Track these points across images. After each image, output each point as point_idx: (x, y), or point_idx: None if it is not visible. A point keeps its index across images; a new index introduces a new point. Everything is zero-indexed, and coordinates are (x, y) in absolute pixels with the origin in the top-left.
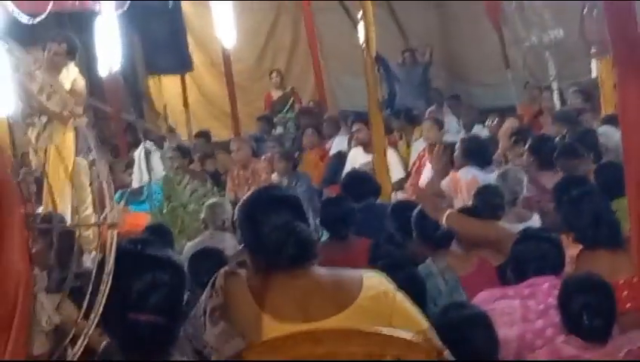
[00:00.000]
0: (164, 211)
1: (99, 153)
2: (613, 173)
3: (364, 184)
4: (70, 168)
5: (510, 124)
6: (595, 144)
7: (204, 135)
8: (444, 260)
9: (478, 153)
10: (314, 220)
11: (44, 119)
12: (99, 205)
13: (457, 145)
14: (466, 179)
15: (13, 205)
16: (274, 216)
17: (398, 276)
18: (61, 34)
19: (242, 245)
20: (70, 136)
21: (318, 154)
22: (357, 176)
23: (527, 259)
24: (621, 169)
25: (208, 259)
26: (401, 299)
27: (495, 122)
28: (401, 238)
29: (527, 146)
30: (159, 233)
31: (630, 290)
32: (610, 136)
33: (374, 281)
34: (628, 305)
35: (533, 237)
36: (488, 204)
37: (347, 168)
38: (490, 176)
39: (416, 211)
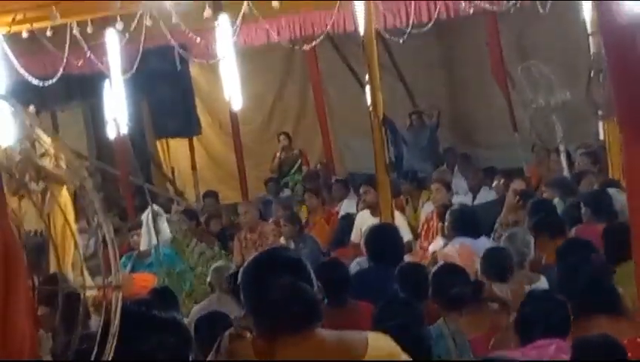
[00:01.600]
0: (172, 274)
1: (103, 216)
2: (622, 236)
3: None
4: (71, 228)
5: (516, 186)
6: (607, 205)
7: (212, 195)
8: (456, 321)
9: (468, 224)
10: (318, 282)
11: (42, 184)
12: (104, 268)
13: (447, 217)
14: (456, 249)
15: (19, 268)
16: (277, 277)
17: (404, 337)
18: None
19: (246, 308)
20: (68, 197)
21: (322, 216)
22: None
23: (534, 321)
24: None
25: (214, 323)
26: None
27: (501, 183)
28: (409, 300)
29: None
30: (164, 296)
31: (634, 351)
32: (615, 198)
33: (380, 343)
34: None
35: (540, 299)
36: (496, 266)
37: (355, 231)
38: (482, 243)
39: (436, 267)
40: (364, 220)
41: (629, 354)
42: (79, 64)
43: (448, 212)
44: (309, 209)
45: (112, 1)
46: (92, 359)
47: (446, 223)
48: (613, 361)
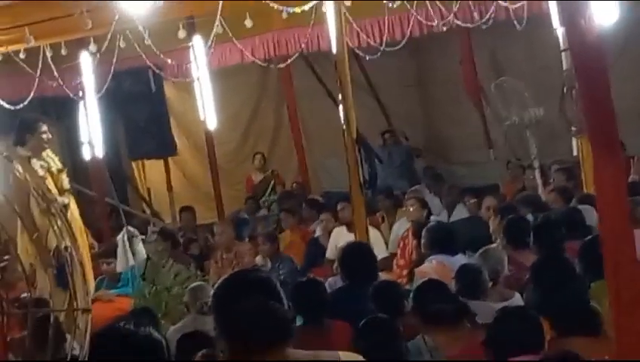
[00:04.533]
0: (148, 295)
1: (71, 238)
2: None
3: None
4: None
5: (488, 203)
6: (580, 222)
7: (189, 209)
8: (434, 337)
9: (444, 241)
10: (289, 301)
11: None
12: (72, 290)
13: (423, 234)
14: (433, 267)
15: None
16: (247, 297)
17: (383, 354)
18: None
19: (217, 329)
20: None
21: (298, 235)
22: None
23: (507, 338)
24: None
25: (196, 343)
26: None
27: (474, 201)
28: (386, 318)
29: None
30: (144, 316)
31: None
32: (588, 214)
33: None
34: None
35: (513, 315)
36: (470, 283)
37: (330, 247)
38: (458, 260)
39: (420, 283)
40: (340, 236)
41: None
42: (53, 86)
43: (424, 229)
44: (286, 228)
45: (84, 22)
46: None
47: (422, 240)
48: None
